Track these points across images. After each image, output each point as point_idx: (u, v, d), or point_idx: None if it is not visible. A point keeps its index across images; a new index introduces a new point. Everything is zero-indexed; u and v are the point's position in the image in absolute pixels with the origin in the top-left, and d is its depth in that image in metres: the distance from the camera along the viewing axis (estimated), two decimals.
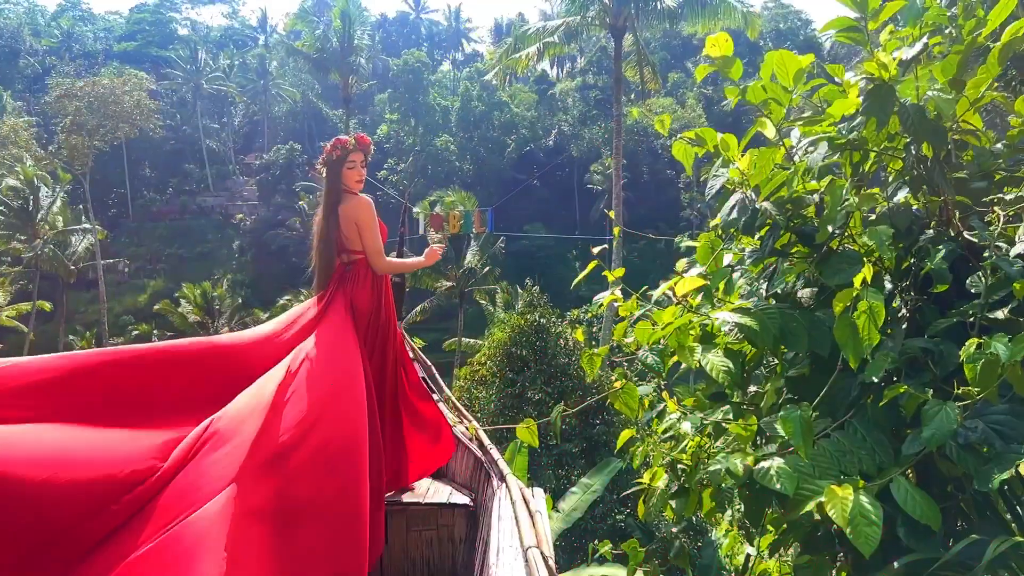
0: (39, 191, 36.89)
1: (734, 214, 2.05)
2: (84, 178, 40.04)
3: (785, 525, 2.43)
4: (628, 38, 25.75)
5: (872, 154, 2.16)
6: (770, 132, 2.08)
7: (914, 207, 2.19)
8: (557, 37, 25.15)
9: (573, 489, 10.38)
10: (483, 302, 30.70)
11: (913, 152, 2.02)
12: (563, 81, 64.70)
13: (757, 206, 2.04)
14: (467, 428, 4.59)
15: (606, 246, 2.49)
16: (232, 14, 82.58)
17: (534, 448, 7.72)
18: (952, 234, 2.12)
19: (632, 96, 46.06)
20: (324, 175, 3.65)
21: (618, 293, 2.70)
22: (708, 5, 23.66)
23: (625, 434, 2.53)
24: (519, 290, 20.93)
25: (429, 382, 5.04)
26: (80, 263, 39.86)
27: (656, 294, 2.15)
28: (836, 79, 2.30)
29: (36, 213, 36.57)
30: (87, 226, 40.21)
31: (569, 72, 69.25)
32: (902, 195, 2.30)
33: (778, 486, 1.72)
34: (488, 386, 15.93)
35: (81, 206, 42.58)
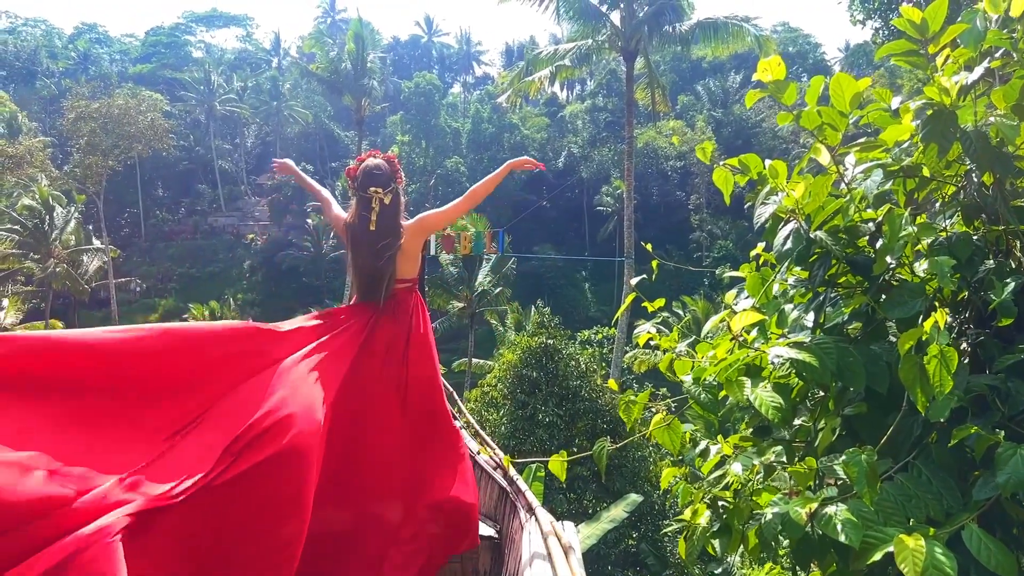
0: (54, 211, 37.21)
1: (788, 244, 1.97)
2: (98, 198, 40.36)
3: (835, 567, 2.32)
4: (639, 61, 25.84)
5: (929, 182, 2.08)
6: (824, 159, 2.00)
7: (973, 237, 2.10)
8: (569, 60, 25.26)
9: (588, 521, 10.22)
10: (493, 322, 30.62)
11: (975, 180, 1.94)
12: (573, 103, 65.06)
13: (812, 235, 1.96)
14: (490, 456, 4.48)
15: (644, 277, 2.38)
16: (246, 37, 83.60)
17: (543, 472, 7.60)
18: (1013, 265, 2.04)
19: (641, 119, 46.18)
20: (385, 203, 3.27)
21: (652, 328, 2.61)
22: (720, 28, 23.74)
23: (668, 473, 2.43)
24: (532, 310, 20.84)
25: (450, 406, 4.94)
26: (92, 282, 40.08)
27: (706, 328, 2.07)
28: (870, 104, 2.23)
29: (51, 233, 36.86)
30: (100, 245, 40.48)
31: (579, 95, 69.68)
32: (949, 223, 2.22)
33: (843, 537, 1.62)
34: (499, 408, 15.77)
35: (91, 225, 42.90)
